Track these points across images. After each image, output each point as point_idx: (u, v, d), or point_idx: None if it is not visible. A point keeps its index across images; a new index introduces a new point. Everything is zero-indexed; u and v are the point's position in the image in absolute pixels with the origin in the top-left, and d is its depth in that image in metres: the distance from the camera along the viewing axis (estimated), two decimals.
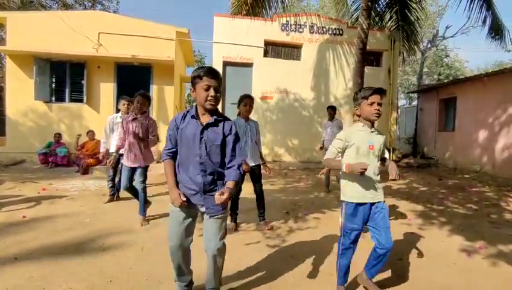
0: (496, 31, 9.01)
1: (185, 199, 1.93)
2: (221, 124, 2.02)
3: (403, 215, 4.57)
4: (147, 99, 3.95)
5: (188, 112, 2.05)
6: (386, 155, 2.47)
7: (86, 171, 7.49)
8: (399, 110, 14.53)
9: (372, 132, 2.30)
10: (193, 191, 1.99)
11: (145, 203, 3.99)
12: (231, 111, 9.47)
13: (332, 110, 6.04)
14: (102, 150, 5.25)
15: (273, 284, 2.51)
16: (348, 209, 2.29)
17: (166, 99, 9.47)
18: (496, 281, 2.68)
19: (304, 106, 9.98)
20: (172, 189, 1.98)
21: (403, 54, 11.05)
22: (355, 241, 2.32)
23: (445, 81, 16.51)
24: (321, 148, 6.12)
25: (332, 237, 3.56)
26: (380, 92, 2.24)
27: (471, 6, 8.32)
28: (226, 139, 2.02)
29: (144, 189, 3.96)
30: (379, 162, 2.32)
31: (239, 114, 3.77)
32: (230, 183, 1.95)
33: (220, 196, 1.84)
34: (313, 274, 2.70)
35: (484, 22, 8.77)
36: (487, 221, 4.43)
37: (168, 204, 2.04)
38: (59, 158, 8.13)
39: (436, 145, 11.17)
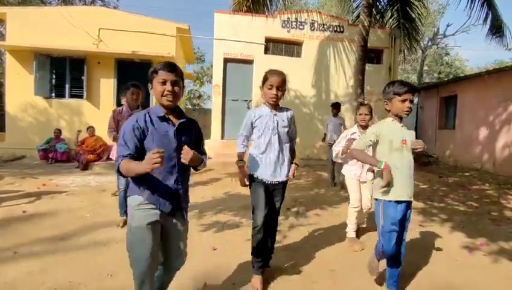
0: (497, 29, 8.99)
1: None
2: (191, 125, 1.89)
3: None
4: (141, 90, 3.68)
5: (148, 112, 1.78)
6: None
7: (85, 167, 7.47)
8: None
9: (402, 126, 2.24)
10: (166, 198, 1.74)
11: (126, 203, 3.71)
12: (232, 108, 9.46)
13: (336, 108, 6.28)
14: (111, 136, 5.17)
15: (274, 279, 2.51)
16: (386, 209, 2.18)
17: None
18: (497, 278, 2.68)
19: (305, 103, 9.95)
20: (139, 164, 1.54)
21: (404, 51, 11.01)
22: (394, 244, 2.19)
23: (446, 79, 16.48)
24: (323, 140, 6.57)
25: (334, 233, 3.56)
26: (415, 90, 2.20)
27: (472, 5, 8.31)
28: (197, 139, 1.93)
29: None
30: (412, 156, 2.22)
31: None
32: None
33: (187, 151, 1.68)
34: (314, 270, 2.69)
35: (485, 20, 8.76)
36: (488, 218, 4.43)
37: None
38: (59, 154, 8.11)
39: (436, 143, 11.17)
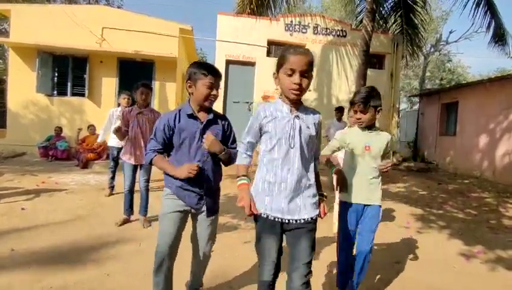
0: (499, 37, 9.02)
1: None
2: (220, 121, 1.97)
3: (401, 219, 4.56)
4: (150, 90, 3.73)
5: (180, 110, 1.92)
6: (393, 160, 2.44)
7: (85, 165, 7.48)
8: (400, 113, 14.52)
9: (370, 132, 2.26)
10: (194, 193, 1.89)
11: (147, 202, 3.75)
12: (233, 110, 9.47)
13: (340, 111, 6.26)
14: (100, 139, 5.33)
15: None
16: (343, 210, 2.28)
17: (168, 96, 9.48)
18: (494, 286, 2.68)
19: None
20: (176, 169, 1.83)
21: (406, 57, 11.04)
22: (351, 243, 2.28)
23: (448, 86, 16.50)
24: None
25: (329, 234, 3.56)
26: (363, 101, 2.16)
27: (475, 12, 8.34)
28: (226, 136, 1.99)
29: (147, 188, 3.72)
30: (379, 164, 2.22)
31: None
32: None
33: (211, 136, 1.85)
34: None
35: (488, 27, 8.80)
36: (486, 226, 4.43)
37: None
38: (59, 152, 8.12)
39: (437, 149, 11.15)
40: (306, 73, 1.49)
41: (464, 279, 2.77)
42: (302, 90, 1.50)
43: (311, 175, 1.62)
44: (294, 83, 1.47)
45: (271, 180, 1.55)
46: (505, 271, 2.97)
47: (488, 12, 8.52)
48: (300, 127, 1.55)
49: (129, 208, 3.77)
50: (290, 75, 1.48)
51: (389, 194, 6.25)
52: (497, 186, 7.52)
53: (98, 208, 4.31)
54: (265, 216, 1.56)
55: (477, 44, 41.80)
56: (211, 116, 1.92)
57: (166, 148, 1.92)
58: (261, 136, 1.63)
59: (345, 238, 2.27)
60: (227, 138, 2.01)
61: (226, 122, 2.01)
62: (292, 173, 1.53)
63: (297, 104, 1.59)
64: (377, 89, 2.27)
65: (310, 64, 1.50)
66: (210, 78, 1.83)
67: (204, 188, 1.90)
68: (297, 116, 1.56)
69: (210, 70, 1.85)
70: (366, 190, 2.22)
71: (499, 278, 2.84)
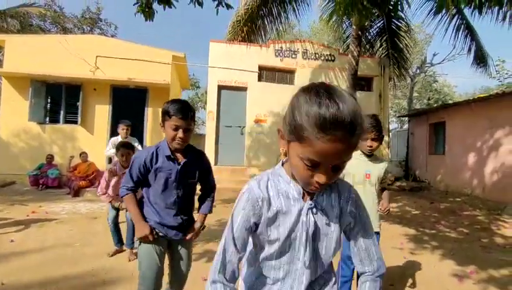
0: (481, 59, 9.44)
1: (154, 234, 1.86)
2: (196, 160, 1.97)
3: (395, 240, 4.58)
4: (131, 149, 3.58)
5: (157, 149, 1.89)
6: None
7: (77, 193, 7.40)
8: (391, 133, 14.79)
9: (370, 160, 2.31)
10: (172, 226, 1.91)
11: (133, 233, 3.51)
12: (226, 134, 9.56)
13: None
14: (107, 153, 5.13)
15: None
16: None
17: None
18: None
19: None
20: (141, 222, 1.84)
21: (393, 79, 11.41)
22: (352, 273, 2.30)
23: (435, 105, 16.94)
24: None
25: None
26: (374, 129, 2.18)
27: (457, 36, 8.75)
28: (202, 173, 2.01)
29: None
30: (378, 190, 2.32)
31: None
32: (201, 217, 2.04)
33: (191, 232, 1.97)
34: None
35: (469, 50, 9.22)
36: (478, 245, 4.46)
37: None
38: (50, 180, 8.04)
39: (428, 168, 11.31)
40: (341, 164, 0.83)
41: None
42: (323, 186, 0.85)
43: None
44: (319, 180, 0.82)
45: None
46: None
47: (468, 36, 8.96)
48: (316, 224, 0.95)
49: (118, 242, 3.70)
50: (313, 167, 0.81)
51: (382, 214, 6.27)
52: (487, 204, 7.60)
53: (90, 237, 4.25)
54: None
55: (462, 64, 43.36)
56: (188, 158, 1.90)
57: (140, 184, 1.92)
58: (256, 235, 0.98)
59: (351, 269, 2.29)
60: (206, 172, 2.04)
61: (203, 159, 2.03)
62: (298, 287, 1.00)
63: (325, 187, 0.90)
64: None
65: (349, 155, 0.81)
66: (174, 120, 1.76)
67: (181, 219, 1.93)
68: (313, 208, 0.95)
69: (176, 111, 1.76)
70: (374, 218, 2.27)
71: None
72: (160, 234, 1.89)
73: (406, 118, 17.45)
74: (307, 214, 0.93)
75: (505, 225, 5.76)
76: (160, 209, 1.88)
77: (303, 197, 0.94)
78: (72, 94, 9.13)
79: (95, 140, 8.90)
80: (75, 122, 9.09)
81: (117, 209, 3.65)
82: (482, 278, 3.25)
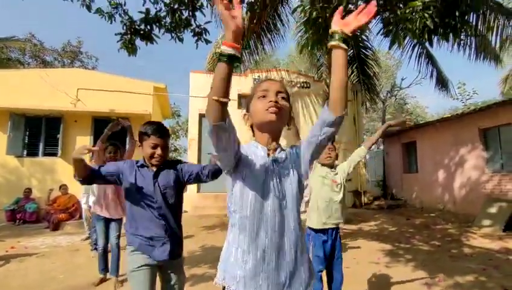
0: (442, 83, 10.27)
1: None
2: (171, 168, 2.00)
3: (372, 255, 4.82)
4: (119, 148, 3.73)
5: (136, 162, 1.99)
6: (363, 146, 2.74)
7: (56, 227, 7.25)
8: (367, 154, 15.38)
9: (332, 171, 2.68)
10: (158, 242, 1.90)
11: (119, 260, 3.62)
12: (207, 161, 9.72)
13: None
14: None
15: None
16: (314, 236, 2.57)
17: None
18: None
19: None
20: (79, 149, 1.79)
21: (366, 104, 12.09)
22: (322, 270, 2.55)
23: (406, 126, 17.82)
24: None
25: None
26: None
27: (419, 62, 9.54)
28: (182, 175, 2.01)
29: (118, 245, 3.61)
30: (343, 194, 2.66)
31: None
32: None
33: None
34: None
35: (431, 75, 10.04)
36: (448, 255, 4.77)
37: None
38: (28, 214, 7.86)
39: (403, 186, 11.82)
40: (283, 94, 1.24)
41: None
42: (280, 108, 1.19)
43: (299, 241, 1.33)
44: (270, 101, 1.18)
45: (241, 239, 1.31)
46: None
47: (429, 63, 9.80)
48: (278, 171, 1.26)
49: (104, 268, 3.71)
50: (264, 97, 1.22)
51: (362, 233, 6.54)
52: (458, 217, 8.05)
53: (74, 269, 4.24)
54: None
55: (429, 88, 46.01)
56: (162, 164, 1.97)
57: (100, 177, 1.91)
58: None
59: (317, 265, 2.49)
60: (189, 170, 2.02)
61: (179, 164, 2.05)
62: (270, 235, 1.27)
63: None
64: None
65: (286, 91, 1.28)
66: (153, 139, 1.89)
67: (166, 233, 1.92)
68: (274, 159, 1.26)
69: (154, 131, 1.89)
70: (334, 218, 2.59)
71: None
72: (149, 261, 1.89)
73: (381, 139, 18.23)
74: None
75: (473, 235, 6.15)
76: (141, 226, 1.89)
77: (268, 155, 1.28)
78: (53, 126, 9.12)
79: None
80: (55, 155, 9.03)
81: (107, 234, 3.68)
82: (449, 285, 3.52)
